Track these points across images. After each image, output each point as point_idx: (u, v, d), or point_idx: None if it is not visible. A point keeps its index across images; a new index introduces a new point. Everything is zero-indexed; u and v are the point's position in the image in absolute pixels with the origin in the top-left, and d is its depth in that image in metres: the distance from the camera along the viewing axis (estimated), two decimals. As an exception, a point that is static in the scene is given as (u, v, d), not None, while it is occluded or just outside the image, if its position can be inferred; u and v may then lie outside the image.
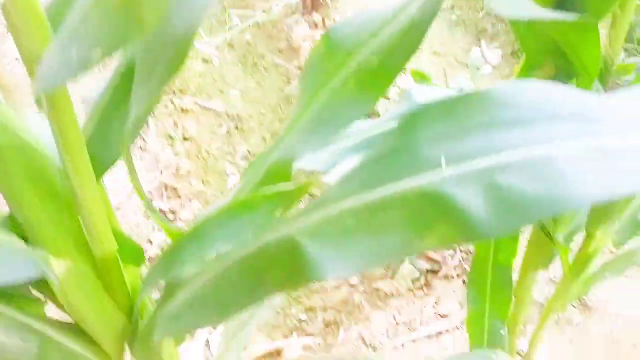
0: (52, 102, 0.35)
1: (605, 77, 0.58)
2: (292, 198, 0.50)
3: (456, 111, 0.38)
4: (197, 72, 2.10)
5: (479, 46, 2.19)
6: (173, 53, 0.32)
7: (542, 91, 0.38)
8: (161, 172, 1.64)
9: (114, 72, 0.51)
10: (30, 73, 0.34)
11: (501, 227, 0.35)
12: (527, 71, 0.56)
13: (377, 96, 0.48)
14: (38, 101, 0.35)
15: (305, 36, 2.23)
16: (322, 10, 2.30)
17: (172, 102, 1.91)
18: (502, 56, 2.21)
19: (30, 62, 0.33)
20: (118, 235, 0.49)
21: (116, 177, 1.62)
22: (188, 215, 1.68)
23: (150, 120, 1.80)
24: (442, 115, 0.39)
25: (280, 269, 0.42)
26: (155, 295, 0.56)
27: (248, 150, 1.94)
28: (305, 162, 0.64)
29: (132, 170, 0.41)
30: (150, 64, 0.36)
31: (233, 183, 1.78)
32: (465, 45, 2.29)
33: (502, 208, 0.35)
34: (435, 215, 0.37)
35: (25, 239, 0.46)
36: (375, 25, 0.50)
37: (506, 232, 0.36)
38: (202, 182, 1.73)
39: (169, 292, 0.49)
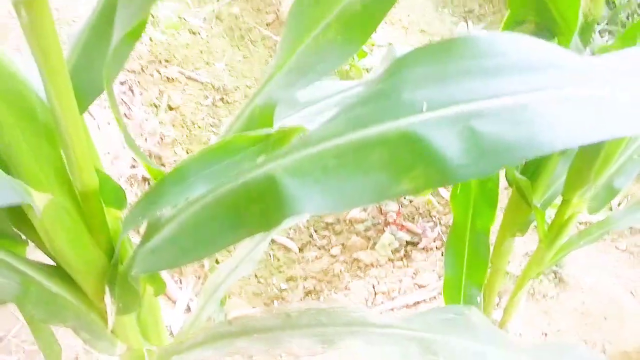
0: (33, 15, 0.35)
1: (587, 36, 0.59)
2: (275, 143, 0.51)
3: (438, 57, 0.39)
4: (184, 43, 2.09)
5: (466, 25, 2.20)
6: None
7: (520, 42, 0.39)
8: (145, 139, 1.63)
9: (97, 4, 0.51)
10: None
11: (476, 169, 0.36)
12: (510, 27, 0.58)
13: (360, 41, 0.49)
14: (17, 8, 0.35)
15: (294, 10, 2.22)
16: (311, -15, 2.29)
17: (158, 72, 1.90)
18: (488, 37, 2.22)
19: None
20: (100, 174, 0.50)
21: (99, 145, 1.61)
22: (171, 184, 1.67)
23: (135, 88, 1.79)
24: (424, 60, 0.40)
25: (259, 205, 0.43)
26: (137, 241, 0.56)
27: (233, 123, 1.94)
28: (290, 120, 0.65)
29: (113, 102, 0.41)
30: None
31: (217, 153, 1.78)
32: (451, 25, 2.30)
33: (477, 151, 0.36)
34: (414, 156, 0.38)
35: (7, 171, 0.46)
36: (360, -28, 0.50)
37: (481, 175, 0.37)
38: (187, 151, 1.73)
39: (150, 230, 0.49)
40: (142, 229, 0.52)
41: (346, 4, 0.49)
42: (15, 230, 0.55)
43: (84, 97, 0.46)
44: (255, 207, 0.43)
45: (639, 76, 0.37)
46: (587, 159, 0.72)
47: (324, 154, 0.41)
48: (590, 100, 0.35)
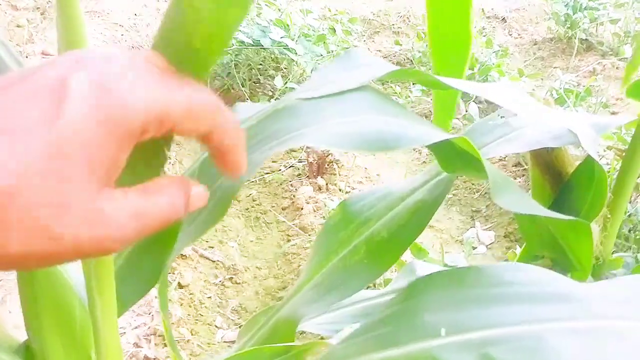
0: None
1: (598, 273, 0.62)
2: (295, 356, 0.52)
3: (456, 283, 0.42)
4: (201, 221, 2.16)
5: (474, 226, 2.28)
6: (220, 201, 0.37)
7: (529, 272, 0.42)
8: (152, 317, 1.62)
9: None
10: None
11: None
12: (525, 259, 0.61)
13: (385, 267, 0.52)
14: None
15: (309, 198, 2.32)
16: (327, 176, 2.42)
17: (172, 248, 1.94)
18: (495, 237, 2.28)
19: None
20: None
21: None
22: (170, 364, 1.63)
23: (148, 263, 1.82)
24: (443, 285, 0.42)
25: None
26: None
27: (239, 304, 1.93)
28: (311, 326, 0.66)
29: (164, 304, 0.43)
30: (194, 215, 0.40)
31: (221, 336, 1.76)
32: (459, 224, 2.38)
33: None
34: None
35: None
36: (388, 201, 0.55)
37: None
38: (191, 332, 1.70)
39: None
40: None
41: (374, 229, 0.53)
42: None
43: (124, 302, 0.48)
44: None
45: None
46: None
47: (345, 376, 0.42)
48: (595, 332, 0.37)
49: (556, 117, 0.51)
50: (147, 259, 0.47)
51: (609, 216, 0.66)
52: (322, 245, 0.56)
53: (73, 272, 0.46)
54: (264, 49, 2.80)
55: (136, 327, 1.59)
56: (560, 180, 0.64)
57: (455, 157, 0.44)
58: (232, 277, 2.02)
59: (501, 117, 0.61)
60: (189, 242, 0.39)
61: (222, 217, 0.37)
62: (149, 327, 1.60)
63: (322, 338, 1.64)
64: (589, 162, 0.59)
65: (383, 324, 0.43)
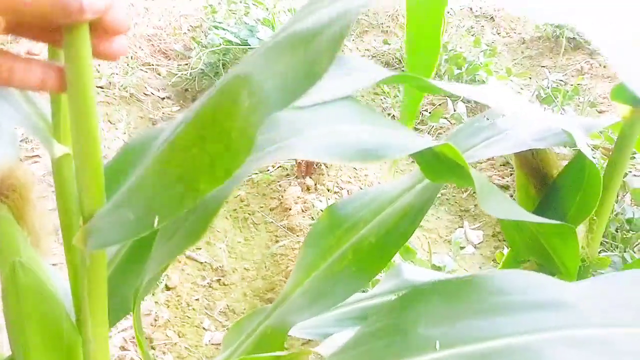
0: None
1: (584, 275, 0.61)
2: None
3: (450, 294, 0.41)
4: (188, 222, 2.14)
5: (462, 226, 2.28)
6: (199, 221, 0.36)
7: (528, 280, 0.41)
8: (139, 319, 1.60)
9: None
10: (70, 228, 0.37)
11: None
12: (511, 264, 0.60)
13: (374, 273, 0.51)
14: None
15: (297, 198, 2.31)
16: (316, 176, 2.41)
17: (160, 249, 1.92)
18: (483, 236, 2.29)
19: (85, 218, 0.36)
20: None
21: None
22: (158, 368, 1.61)
23: (135, 265, 1.80)
24: (437, 297, 0.41)
25: None
26: None
27: (227, 305, 1.92)
28: (295, 330, 0.65)
29: (138, 326, 0.42)
30: (173, 228, 0.39)
31: (209, 338, 1.74)
32: (448, 223, 2.38)
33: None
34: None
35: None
36: (375, 205, 0.54)
37: None
38: (178, 334, 1.69)
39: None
40: None
41: (361, 235, 0.53)
42: None
43: (111, 318, 0.47)
44: None
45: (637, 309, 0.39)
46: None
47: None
48: (590, 341, 0.36)
49: (546, 118, 0.51)
50: (135, 272, 0.46)
51: (594, 217, 0.66)
52: (309, 251, 0.55)
53: (60, 285, 0.45)
54: (251, 48, 2.79)
55: (123, 330, 1.57)
56: (545, 183, 0.63)
57: (438, 164, 0.44)
58: (220, 279, 2.01)
59: (487, 118, 0.61)
60: (170, 258, 0.38)
61: (202, 235, 0.36)
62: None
63: (308, 342, 1.63)
64: (576, 164, 0.59)
65: (376, 338, 0.42)
